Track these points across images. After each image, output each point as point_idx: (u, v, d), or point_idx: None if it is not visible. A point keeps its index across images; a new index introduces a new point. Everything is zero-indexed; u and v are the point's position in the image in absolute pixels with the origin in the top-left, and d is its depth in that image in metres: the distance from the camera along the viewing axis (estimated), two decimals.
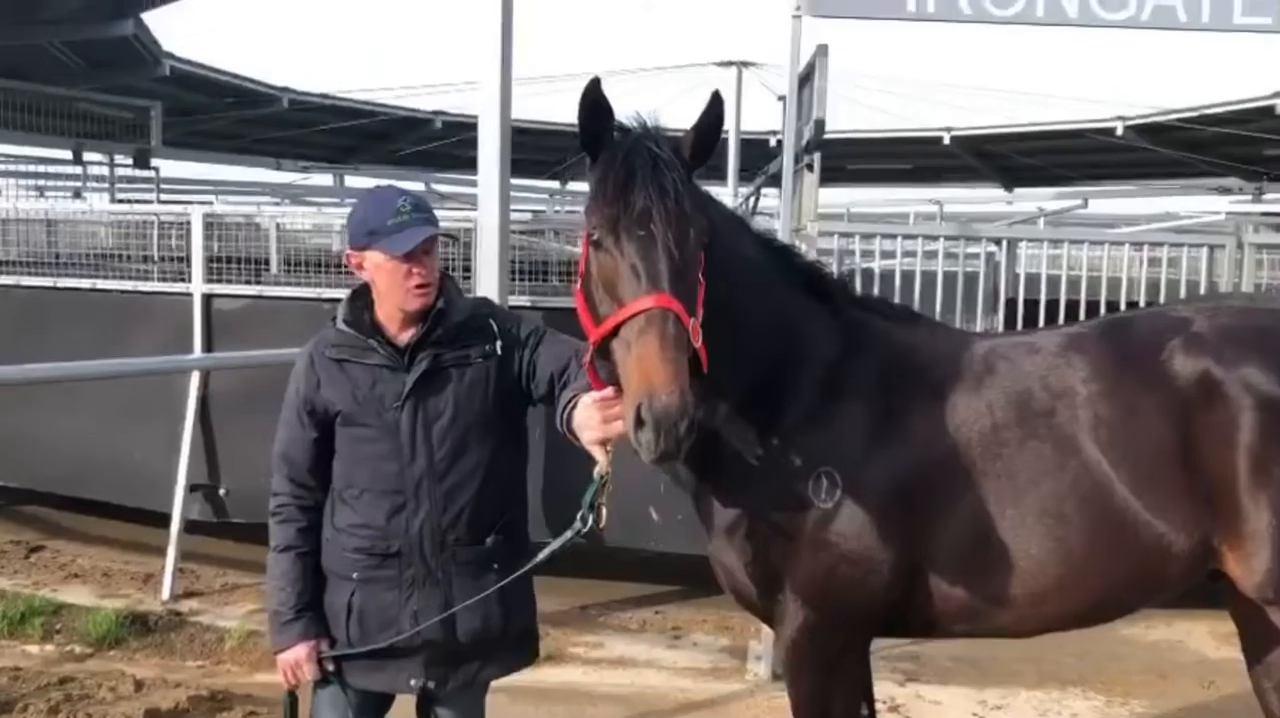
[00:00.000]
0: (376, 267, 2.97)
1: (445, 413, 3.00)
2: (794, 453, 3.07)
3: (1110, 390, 3.15)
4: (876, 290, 6.29)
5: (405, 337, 3.03)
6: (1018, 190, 23.29)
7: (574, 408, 2.85)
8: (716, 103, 2.92)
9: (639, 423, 2.52)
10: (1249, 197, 18.64)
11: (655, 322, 2.58)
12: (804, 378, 3.13)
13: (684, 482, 3.27)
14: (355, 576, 3.03)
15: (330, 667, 3.05)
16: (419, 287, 2.96)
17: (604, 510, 2.87)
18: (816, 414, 3.11)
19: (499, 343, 3.10)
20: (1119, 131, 19.72)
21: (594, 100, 2.75)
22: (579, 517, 2.86)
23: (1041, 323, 6.35)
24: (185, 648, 6.12)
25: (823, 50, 6.05)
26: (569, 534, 2.91)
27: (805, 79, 6.14)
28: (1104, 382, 3.16)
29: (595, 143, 2.82)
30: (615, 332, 2.64)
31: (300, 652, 3.05)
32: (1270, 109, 16.22)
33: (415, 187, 19.46)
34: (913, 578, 3.10)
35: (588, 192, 2.83)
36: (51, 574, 7.33)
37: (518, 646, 3.23)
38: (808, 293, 3.24)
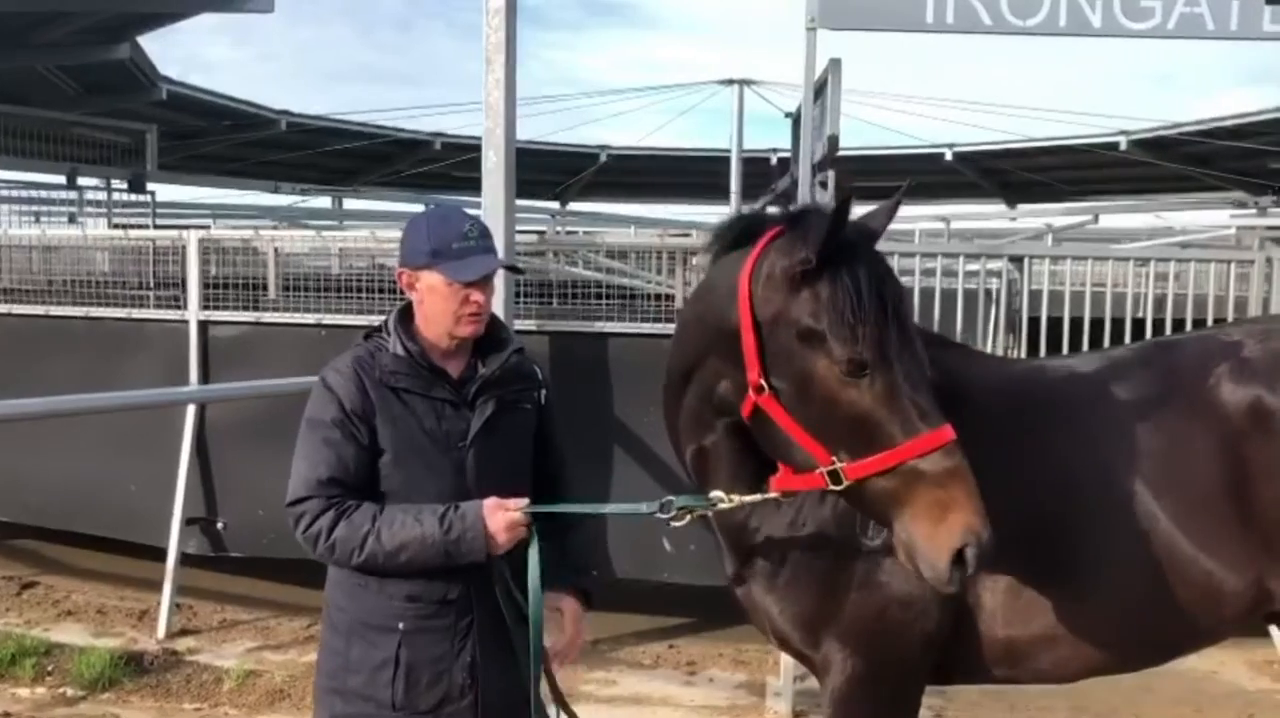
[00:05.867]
0: (431, 288, 2.76)
1: (504, 456, 2.82)
2: None
3: (1153, 419, 2.99)
4: None
5: (454, 367, 2.85)
6: (1020, 206, 23.21)
7: None
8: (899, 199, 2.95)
9: (959, 561, 2.46)
10: (1254, 210, 18.51)
11: (959, 454, 2.50)
12: None
13: (718, 528, 3.09)
14: (402, 626, 2.74)
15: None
16: (473, 315, 2.78)
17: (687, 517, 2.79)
18: None
19: (544, 392, 2.98)
20: (1122, 146, 19.64)
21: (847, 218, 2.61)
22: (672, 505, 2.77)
23: (1065, 342, 6.20)
24: (181, 689, 5.89)
25: (835, 65, 5.89)
26: (647, 509, 2.79)
27: (817, 93, 5.97)
28: (1147, 410, 3.00)
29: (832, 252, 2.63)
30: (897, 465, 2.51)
31: (495, 513, 2.65)
32: (1276, 122, 16.13)
33: (416, 208, 19.36)
34: (960, 619, 2.94)
35: (817, 302, 2.57)
36: (44, 612, 7.10)
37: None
38: None
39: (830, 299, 2.55)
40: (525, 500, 2.70)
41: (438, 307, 2.77)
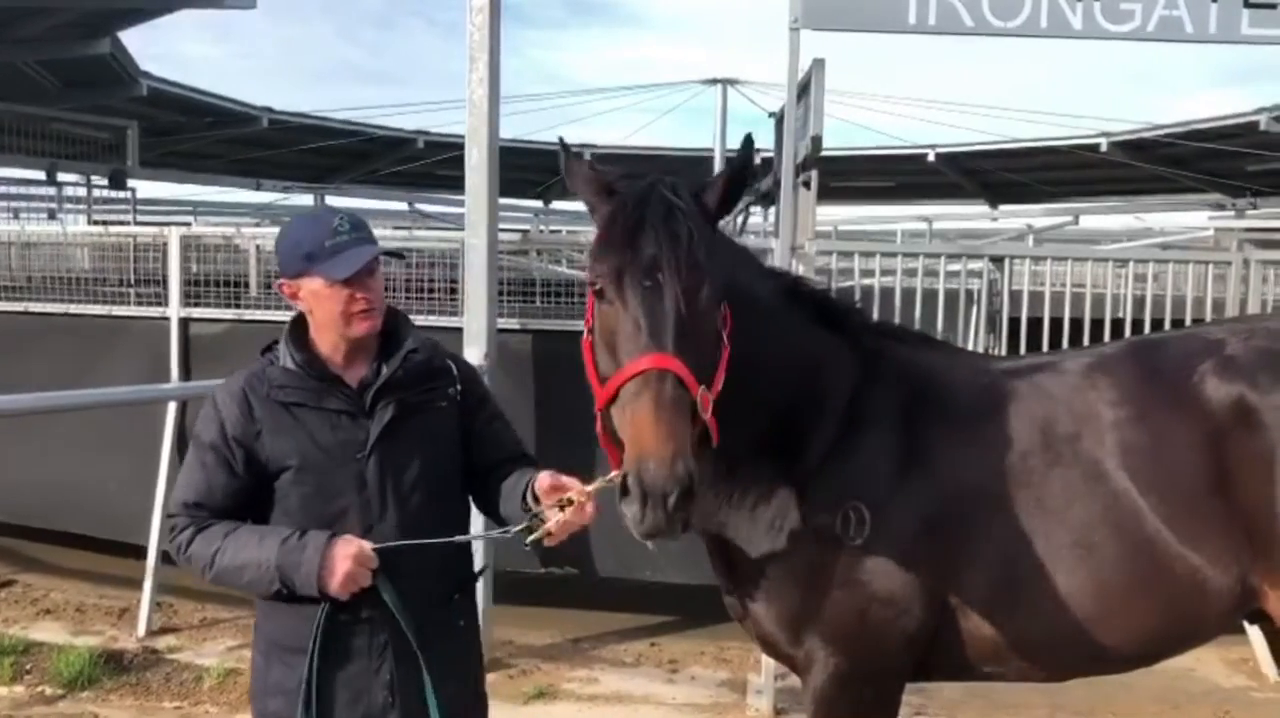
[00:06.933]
0: (314, 294, 2.64)
1: (414, 462, 2.69)
2: (819, 491, 2.91)
3: (1138, 416, 3.01)
4: (876, 309, 6.13)
5: (355, 374, 2.71)
6: (1002, 207, 23.31)
7: (531, 493, 2.64)
8: (747, 147, 2.72)
9: (624, 494, 2.33)
10: (1232, 212, 18.66)
11: (651, 384, 2.37)
12: (824, 413, 2.98)
13: (702, 528, 3.09)
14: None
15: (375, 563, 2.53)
16: (363, 312, 2.64)
17: (550, 521, 2.51)
18: (839, 449, 2.95)
19: (459, 387, 2.83)
20: (1103, 148, 19.73)
21: (575, 171, 2.69)
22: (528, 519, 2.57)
23: (1045, 341, 6.24)
24: (161, 688, 5.86)
25: (819, 65, 5.91)
26: (513, 531, 2.60)
27: (800, 94, 5.99)
28: (1131, 407, 3.02)
29: (597, 198, 2.68)
30: (616, 396, 2.44)
31: (347, 543, 2.51)
32: (1254, 125, 16.25)
33: (398, 207, 19.33)
34: (943, 617, 2.95)
35: (595, 238, 2.65)
36: (22, 611, 7.05)
37: (478, 704, 2.92)
38: (820, 323, 3.08)
39: (596, 235, 2.63)
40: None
41: (325, 310, 2.66)
